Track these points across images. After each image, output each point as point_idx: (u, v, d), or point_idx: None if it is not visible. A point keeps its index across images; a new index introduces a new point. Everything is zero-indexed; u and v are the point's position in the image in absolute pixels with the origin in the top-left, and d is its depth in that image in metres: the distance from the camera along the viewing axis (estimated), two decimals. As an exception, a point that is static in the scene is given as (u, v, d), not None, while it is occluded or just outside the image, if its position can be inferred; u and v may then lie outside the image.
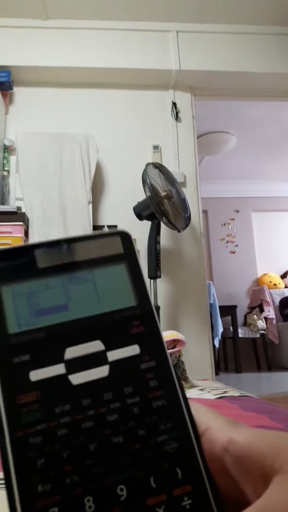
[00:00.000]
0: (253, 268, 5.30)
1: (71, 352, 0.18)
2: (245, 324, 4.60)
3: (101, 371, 0.18)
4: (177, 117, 2.71)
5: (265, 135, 4.22)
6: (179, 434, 0.17)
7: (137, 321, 0.19)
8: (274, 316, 4.57)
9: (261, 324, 4.43)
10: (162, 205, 2.10)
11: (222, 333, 3.89)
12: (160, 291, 2.41)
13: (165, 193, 2.11)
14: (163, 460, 0.17)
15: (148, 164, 2.23)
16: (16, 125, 2.57)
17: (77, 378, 0.18)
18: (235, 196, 5.47)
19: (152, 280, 2.16)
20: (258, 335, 4.44)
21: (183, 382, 1.46)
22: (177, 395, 0.18)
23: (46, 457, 0.16)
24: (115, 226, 2.50)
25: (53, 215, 2.33)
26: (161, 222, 2.20)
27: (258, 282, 5.20)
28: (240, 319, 4.67)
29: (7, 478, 0.16)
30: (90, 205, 2.42)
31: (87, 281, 0.20)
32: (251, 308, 4.78)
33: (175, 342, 1.43)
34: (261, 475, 0.15)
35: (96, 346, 0.18)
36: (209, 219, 5.39)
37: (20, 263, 0.19)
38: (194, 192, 2.63)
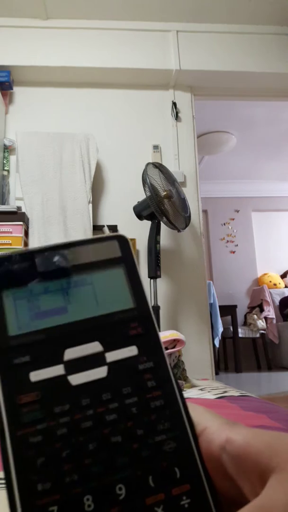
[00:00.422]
0: (253, 268, 5.30)
1: (70, 353, 0.18)
2: (245, 324, 4.60)
3: (100, 372, 0.18)
4: (177, 117, 2.71)
5: (265, 135, 4.22)
6: (177, 433, 0.18)
7: (135, 323, 0.20)
8: (274, 316, 4.57)
9: (261, 324, 4.43)
10: (162, 204, 2.10)
11: (222, 333, 3.89)
12: (160, 291, 2.41)
13: (165, 192, 2.11)
14: (162, 459, 0.17)
15: (148, 164, 2.23)
16: (16, 124, 2.57)
17: (76, 379, 0.18)
18: (235, 196, 5.47)
19: (152, 280, 2.16)
20: (258, 335, 4.44)
21: (183, 382, 1.46)
22: (175, 395, 0.19)
23: (46, 456, 0.16)
24: (115, 226, 2.50)
25: (53, 214, 2.33)
26: (161, 222, 2.20)
27: (258, 282, 5.20)
28: (240, 319, 4.67)
29: (8, 476, 0.16)
30: (90, 205, 2.43)
31: (85, 284, 0.20)
32: (251, 308, 4.78)
33: (175, 342, 1.43)
34: (258, 474, 0.15)
35: (94, 347, 0.19)
36: (209, 219, 5.39)
37: (20, 267, 0.20)
38: (194, 192, 2.63)
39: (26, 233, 2.24)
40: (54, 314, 0.19)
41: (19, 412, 0.17)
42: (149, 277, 2.16)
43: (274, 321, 4.57)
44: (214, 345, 3.44)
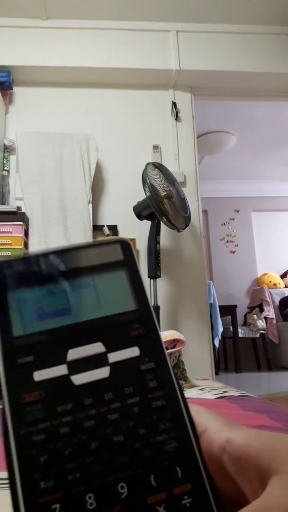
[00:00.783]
0: (253, 268, 5.30)
1: (73, 354, 0.19)
2: (245, 324, 4.60)
3: (102, 372, 0.19)
4: (177, 117, 2.71)
5: (265, 135, 4.22)
6: (178, 433, 0.18)
7: (137, 324, 0.20)
8: (274, 316, 4.57)
9: (261, 324, 4.43)
10: (162, 204, 2.11)
11: (222, 333, 3.89)
12: (160, 291, 2.41)
13: (165, 192, 2.11)
14: (163, 459, 0.17)
15: (148, 164, 2.23)
16: (16, 125, 2.57)
17: (79, 379, 0.18)
18: (235, 196, 5.47)
19: (152, 280, 2.16)
20: (258, 335, 4.44)
21: (183, 382, 1.46)
22: (176, 395, 0.19)
23: (48, 454, 0.16)
24: (115, 226, 2.50)
25: (53, 214, 2.33)
26: (161, 222, 2.20)
27: (258, 281, 5.20)
28: (240, 319, 4.67)
29: (11, 475, 0.16)
30: (90, 205, 2.43)
31: (89, 286, 0.21)
32: (251, 308, 4.79)
33: (175, 342, 1.43)
34: (258, 475, 0.15)
35: (97, 348, 0.19)
36: (209, 219, 5.39)
37: (25, 270, 0.20)
38: (194, 192, 2.63)
39: (26, 233, 2.24)
40: (57, 315, 0.20)
41: (23, 410, 0.17)
42: (149, 277, 2.16)
43: (274, 321, 4.57)
44: (214, 345, 3.44)
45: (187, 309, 2.46)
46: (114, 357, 0.19)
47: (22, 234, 2.11)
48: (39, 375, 0.18)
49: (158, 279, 2.26)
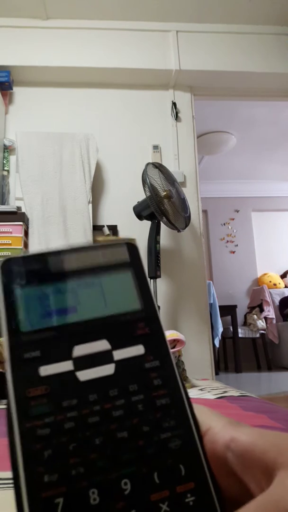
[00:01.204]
0: (253, 268, 5.30)
1: (79, 350, 0.19)
2: (245, 324, 4.60)
3: (107, 369, 0.19)
4: (177, 117, 2.71)
5: (265, 135, 4.23)
6: (182, 432, 0.18)
7: (142, 323, 0.20)
8: (274, 316, 4.57)
9: (261, 324, 4.43)
10: (162, 205, 2.11)
11: (222, 333, 3.89)
12: (160, 291, 2.41)
13: (165, 193, 2.11)
14: (167, 456, 0.17)
15: (148, 164, 2.23)
16: (16, 125, 2.57)
17: (84, 375, 0.18)
18: (235, 196, 5.47)
19: (152, 280, 2.16)
20: (258, 335, 4.44)
21: (184, 382, 1.46)
22: (180, 394, 0.19)
23: (53, 448, 0.16)
24: (115, 226, 2.50)
25: (53, 214, 2.33)
26: (161, 222, 2.20)
27: (258, 281, 5.20)
28: (240, 319, 4.67)
29: (14, 468, 0.16)
30: (90, 205, 2.43)
31: (95, 286, 0.21)
32: (251, 308, 4.79)
33: (175, 342, 1.43)
34: (264, 471, 0.16)
35: (102, 345, 0.19)
36: (209, 219, 5.39)
37: (33, 268, 0.21)
38: (194, 192, 2.63)
39: (26, 233, 2.24)
40: (64, 313, 0.20)
41: (28, 405, 0.17)
42: (149, 277, 2.16)
43: (274, 321, 4.57)
44: (214, 345, 3.44)
45: (187, 309, 2.46)
46: (119, 354, 0.19)
47: (22, 234, 2.11)
48: (45, 370, 0.18)
49: (158, 279, 2.26)
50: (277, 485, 0.15)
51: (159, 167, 2.23)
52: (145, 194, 2.23)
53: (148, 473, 0.17)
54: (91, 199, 2.44)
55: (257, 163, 4.89)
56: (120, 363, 0.19)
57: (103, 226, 2.47)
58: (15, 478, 0.16)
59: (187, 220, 2.26)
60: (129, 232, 2.48)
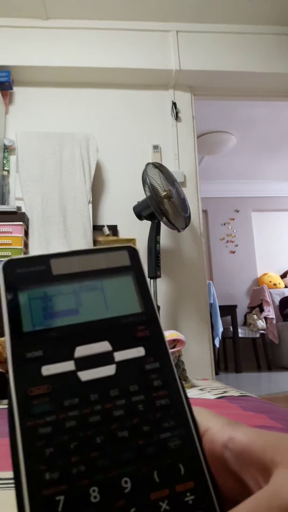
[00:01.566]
0: (253, 268, 5.30)
1: (81, 351, 0.19)
2: (245, 324, 4.61)
3: (108, 370, 0.19)
4: (177, 117, 2.71)
5: (265, 135, 4.23)
6: (182, 432, 0.18)
7: (142, 326, 0.21)
8: (274, 316, 4.57)
9: (261, 324, 4.43)
10: (162, 205, 2.11)
11: (222, 333, 3.89)
12: (160, 291, 2.41)
13: (165, 193, 2.11)
14: (167, 456, 0.17)
15: (148, 164, 2.23)
16: (16, 125, 2.57)
17: (85, 375, 0.19)
18: (235, 196, 5.47)
19: (152, 280, 2.16)
20: (258, 335, 4.44)
21: (183, 382, 1.46)
22: (179, 395, 0.19)
23: (54, 447, 0.17)
24: (115, 226, 2.50)
25: (53, 214, 2.33)
26: (161, 222, 2.20)
27: (258, 282, 5.20)
28: (240, 319, 4.67)
29: (16, 466, 0.16)
30: (90, 205, 2.43)
31: (96, 289, 0.22)
32: (251, 308, 4.79)
33: (175, 342, 1.43)
34: (262, 469, 0.16)
35: (104, 346, 0.20)
36: (209, 219, 5.39)
37: (36, 270, 0.21)
38: (194, 192, 2.63)
39: (26, 233, 2.24)
40: (66, 314, 0.20)
41: (30, 403, 0.17)
42: (149, 277, 2.16)
43: (274, 321, 4.58)
44: (214, 345, 3.44)
45: (187, 309, 2.46)
46: (120, 356, 0.20)
47: (22, 234, 2.12)
48: (47, 370, 0.18)
49: (158, 279, 2.26)
50: (274, 483, 0.15)
51: (159, 167, 2.23)
52: (145, 194, 2.23)
53: (148, 472, 0.17)
54: (91, 199, 2.44)
55: (257, 163, 4.89)
56: (121, 364, 0.19)
57: (103, 226, 2.47)
58: (16, 476, 0.16)
59: (187, 220, 2.26)
60: (129, 232, 2.48)
